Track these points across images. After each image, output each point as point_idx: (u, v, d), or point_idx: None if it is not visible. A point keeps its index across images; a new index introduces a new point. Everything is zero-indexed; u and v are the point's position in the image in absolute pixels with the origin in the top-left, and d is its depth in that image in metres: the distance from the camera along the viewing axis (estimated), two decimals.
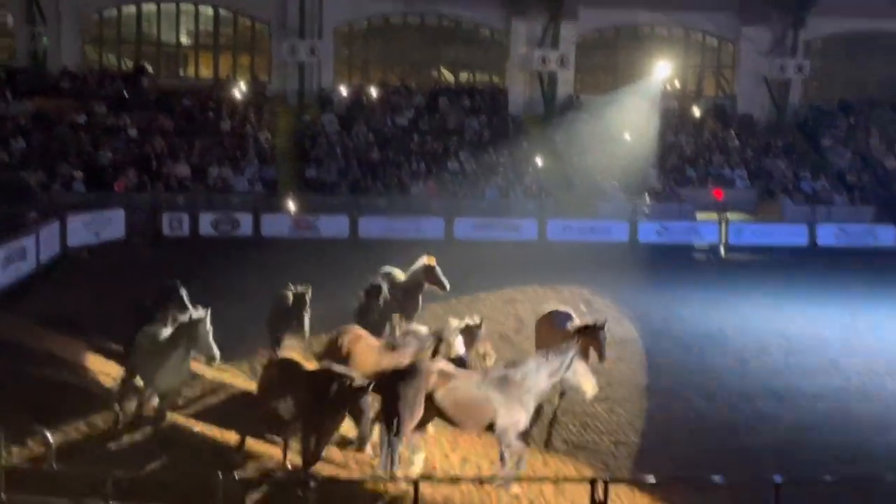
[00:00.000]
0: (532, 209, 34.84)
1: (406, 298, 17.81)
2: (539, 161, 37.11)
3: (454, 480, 12.12)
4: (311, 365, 13.24)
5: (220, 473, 10.06)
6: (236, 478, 10.67)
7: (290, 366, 12.71)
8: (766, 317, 23.38)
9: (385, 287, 16.96)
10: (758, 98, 41.24)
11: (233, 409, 14.53)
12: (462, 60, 42.78)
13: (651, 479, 12.21)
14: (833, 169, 38.72)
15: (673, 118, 40.24)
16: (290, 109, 38.43)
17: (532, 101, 40.55)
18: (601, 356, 14.04)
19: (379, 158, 36.23)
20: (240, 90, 38.17)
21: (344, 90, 39.44)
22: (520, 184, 36.04)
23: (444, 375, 12.27)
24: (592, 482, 10.45)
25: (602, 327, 14.07)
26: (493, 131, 38.54)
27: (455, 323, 14.18)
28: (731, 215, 35.05)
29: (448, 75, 42.97)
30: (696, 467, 13.31)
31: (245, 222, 32.39)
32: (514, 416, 12.15)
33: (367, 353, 13.50)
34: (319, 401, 11.61)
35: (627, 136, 38.51)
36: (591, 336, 14.01)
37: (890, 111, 41.60)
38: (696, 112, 40.81)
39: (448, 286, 18.15)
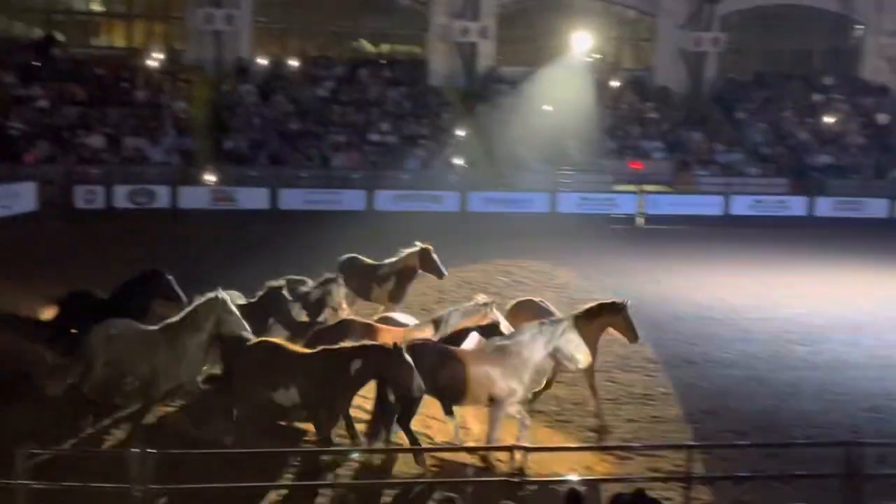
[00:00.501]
0: (454, 181, 34.90)
1: (397, 284, 17.02)
2: (461, 132, 37.16)
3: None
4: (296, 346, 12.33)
5: None
6: None
7: (279, 349, 11.75)
8: (682, 286, 23.80)
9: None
10: (675, 71, 41.77)
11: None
12: (382, 31, 42.50)
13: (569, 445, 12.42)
14: (748, 141, 39.48)
15: (592, 90, 40.53)
16: (208, 79, 37.72)
17: (453, 73, 40.47)
18: (633, 336, 13.65)
19: (299, 129, 35.86)
20: (154, 59, 37.31)
21: (262, 60, 38.86)
22: (442, 155, 36.02)
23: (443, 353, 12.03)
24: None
25: (625, 306, 13.51)
26: (414, 103, 38.42)
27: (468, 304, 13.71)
28: (648, 186, 35.58)
29: (368, 46, 42.62)
30: (612, 436, 13.51)
31: (162, 194, 31.84)
32: (512, 388, 12.00)
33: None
34: (334, 381, 11.12)
35: (548, 108, 38.70)
36: (613, 315, 13.58)
37: (803, 84, 42.53)
38: (615, 84, 41.18)
39: (446, 273, 17.54)
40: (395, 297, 17.15)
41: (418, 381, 10.85)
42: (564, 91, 39.85)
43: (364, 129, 36.58)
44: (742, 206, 35.28)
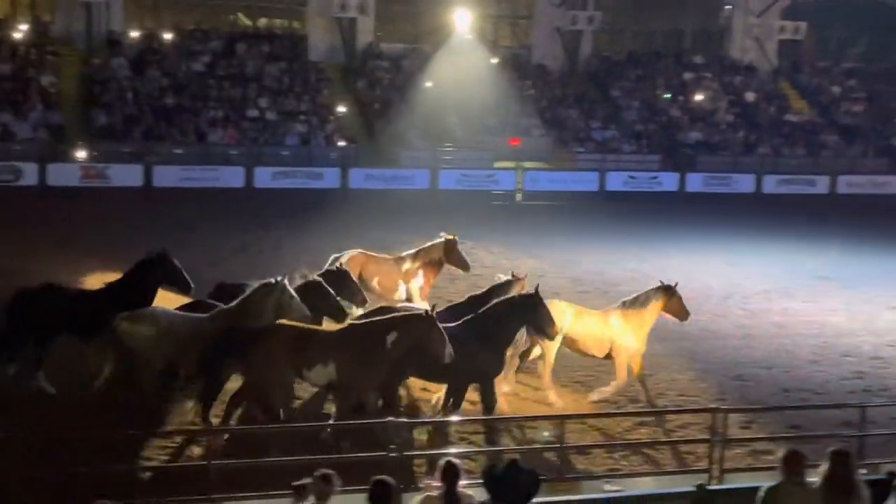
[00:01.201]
0: (335, 158, 34.72)
1: (425, 279, 16.23)
2: (341, 109, 36.97)
3: None
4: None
5: None
6: None
7: (306, 329, 11.62)
8: (560, 260, 24.29)
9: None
10: (552, 49, 42.33)
11: None
12: (260, 5, 41.81)
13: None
14: (622, 118, 40.40)
15: (472, 68, 40.77)
16: (78, 53, 36.46)
17: (333, 49, 40.12)
18: (686, 315, 13.90)
19: (174, 105, 35.03)
20: (20, 30, 35.86)
21: (135, 33, 37.76)
22: (322, 131, 35.74)
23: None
24: None
25: (675, 288, 13.79)
26: (293, 78, 37.96)
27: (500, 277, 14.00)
28: (527, 163, 36.09)
29: (245, 20, 41.89)
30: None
31: (29, 171, 30.73)
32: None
33: None
34: (372, 355, 11.15)
35: (428, 85, 38.81)
36: (670, 296, 13.70)
37: (675, 63, 43.70)
38: (494, 62, 41.52)
39: (470, 266, 16.91)
40: (425, 293, 16.28)
41: (449, 349, 11.00)
42: (444, 68, 40.04)
43: (242, 105, 35.99)
44: (617, 181, 36.14)
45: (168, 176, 32.04)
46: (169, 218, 26.99)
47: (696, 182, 36.84)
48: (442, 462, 7.39)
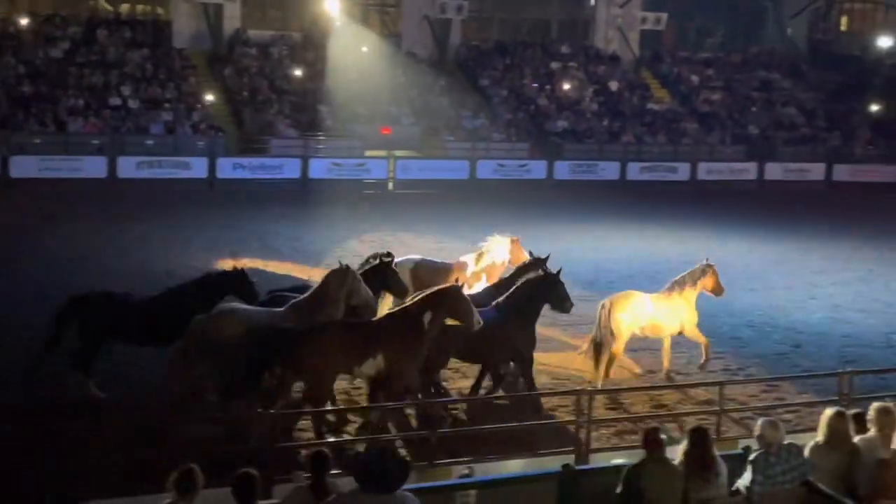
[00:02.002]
0: (201, 147, 34.03)
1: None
2: (208, 97, 36.25)
3: None
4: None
5: None
6: None
7: (351, 324, 11.79)
8: (433, 248, 24.37)
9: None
10: (421, 37, 42.44)
11: None
12: None
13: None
14: (491, 107, 40.84)
15: (342, 55, 40.57)
16: None
17: (198, 35, 39.28)
18: (721, 290, 15.10)
19: (31, 92, 33.71)
20: None
21: None
22: (188, 120, 34.98)
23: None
24: None
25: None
26: (157, 65, 37.01)
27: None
28: (398, 152, 36.14)
29: (106, 6, 40.62)
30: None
31: None
32: None
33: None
34: (415, 339, 11.50)
35: (298, 73, 38.46)
36: (711, 274, 14.91)
37: (542, 53, 44.41)
38: (364, 50, 41.36)
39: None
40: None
41: (477, 317, 11.54)
42: (313, 56, 39.77)
43: (104, 93, 34.90)
44: (487, 170, 36.53)
45: (26, 166, 30.88)
46: (28, 210, 26.02)
47: (563, 170, 37.56)
48: (311, 452, 7.37)
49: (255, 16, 41.75)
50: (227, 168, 33.39)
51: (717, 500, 8.07)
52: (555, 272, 13.46)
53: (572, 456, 10.55)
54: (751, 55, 48.64)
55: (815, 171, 40.67)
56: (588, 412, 10.99)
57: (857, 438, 8.53)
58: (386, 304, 13.88)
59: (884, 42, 50.97)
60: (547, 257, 14.47)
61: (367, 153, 36.02)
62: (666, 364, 14.79)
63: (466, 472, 8.96)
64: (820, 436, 8.50)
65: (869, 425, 8.65)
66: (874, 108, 45.06)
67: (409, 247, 24.49)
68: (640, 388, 13.95)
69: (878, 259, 25.28)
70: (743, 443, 9.50)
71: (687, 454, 8.13)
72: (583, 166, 38.04)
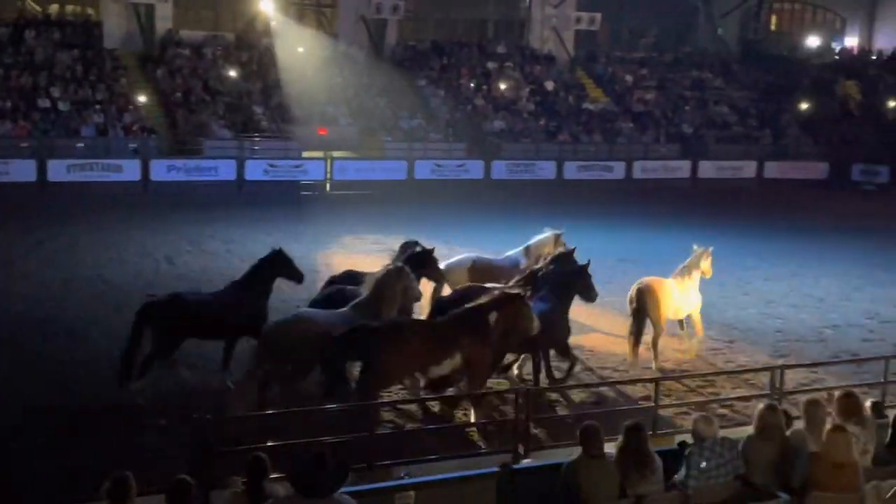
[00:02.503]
0: (134, 149, 33.52)
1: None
2: (141, 98, 35.72)
3: None
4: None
5: None
6: None
7: (427, 323, 12.57)
8: (371, 249, 24.33)
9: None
10: (357, 37, 42.27)
11: None
12: None
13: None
14: (428, 107, 40.84)
15: (278, 56, 40.28)
16: None
17: (129, 36, 38.68)
18: (710, 273, 16.23)
19: None
20: None
21: None
22: (120, 122, 34.43)
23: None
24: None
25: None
26: (87, 66, 36.35)
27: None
28: (335, 153, 35.97)
29: (34, 6, 39.81)
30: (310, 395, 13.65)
31: None
32: None
33: None
34: (483, 336, 12.04)
35: (232, 74, 38.08)
36: (705, 258, 16.08)
37: (478, 53, 44.52)
38: (300, 50, 41.11)
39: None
40: None
41: (536, 322, 12.39)
42: (248, 56, 39.43)
43: (32, 95, 34.17)
44: (425, 170, 36.53)
45: None
46: None
47: (500, 169, 37.72)
48: (249, 456, 7.28)
49: (187, 16, 41.22)
50: (161, 170, 32.92)
51: (653, 495, 8.14)
52: (585, 263, 14.41)
53: (510, 455, 10.56)
54: (683, 55, 49.34)
55: (747, 168, 41.40)
56: (527, 410, 11.02)
57: (788, 431, 8.69)
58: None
59: (812, 41, 52.14)
60: (573, 249, 15.25)
61: (304, 154, 35.80)
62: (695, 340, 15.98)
63: (405, 473, 8.94)
64: (753, 429, 8.63)
65: (800, 418, 8.82)
66: (803, 106, 46.00)
67: (348, 248, 24.44)
68: (579, 385, 14.05)
69: (809, 254, 25.78)
70: (679, 438, 9.58)
71: (622, 450, 8.20)
72: (520, 166, 38.23)
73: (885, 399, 12.57)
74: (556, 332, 13.60)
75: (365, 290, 12.77)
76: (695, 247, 16.22)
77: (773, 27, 53.94)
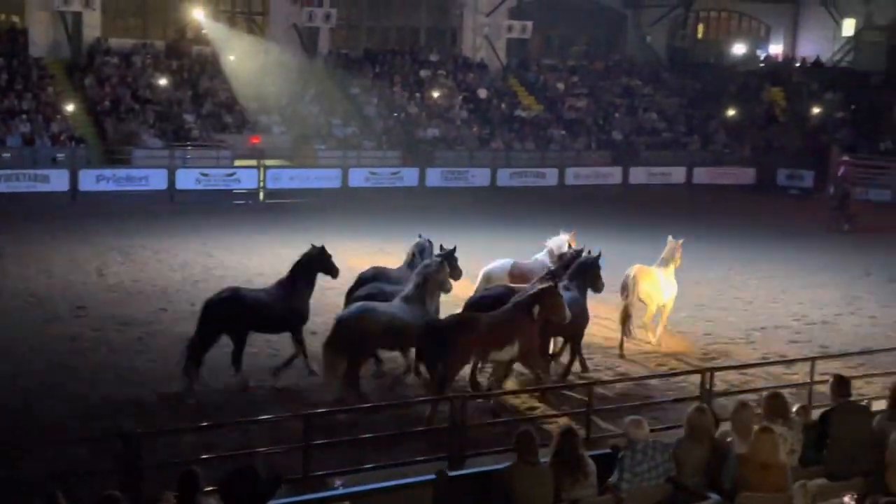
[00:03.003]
0: (62, 159, 32.92)
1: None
2: (68, 107, 35.10)
3: None
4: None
5: None
6: None
7: (486, 315, 13.52)
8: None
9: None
10: (289, 45, 41.95)
11: None
12: None
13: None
14: (362, 115, 40.78)
15: (208, 64, 39.93)
16: None
17: (56, 44, 38.00)
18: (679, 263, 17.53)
19: None
20: None
21: None
22: (47, 131, 33.79)
23: None
24: None
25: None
26: (12, 75, 35.63)
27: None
28: (269, 161, 35.73)
29: None
30: (241, 411, 13.52)
31: None
32: None
33: None
34: (531, 327, 13.59)
35: (163, 82, 37.62)
36: (679, 249, 17.50)
37: (411, 61, 44.60)
38: (232, 58, 40.77)
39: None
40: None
41: (567, 312, 13.87)
42: (177, 64, 39.00)
43: None
44: (359, 178, 36.47)
45: None
46: None
47: (435, 177, 37.82)
48: (181, 470, 7.21)
49: (115, 24, 40.62)
50: (90, 180, 32.36)
51: (587, 499, 8.25)
52: (596, 256, 15.75)
53: (447, 462, 10.60)
54: (613, 63, 50.00)
55: (677, 174, 42.09)
56: (462, 417, 11.06)
57: (717, 433, 8.86)
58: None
59: (738, 49, 53.21)
60: (582, 249, 16.25)
61: (237, 163, 35.48)
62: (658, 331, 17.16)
63: (340, 483, 8.92)
64: (683, 432, 8.79)
65: (729, 420, 9.00)
66: (730, 112, 46.94)
67: (281, 258, 24.21)
68: (515, 391, 14.14)
69: (737, 258, 26.29)
70: (611, 442, 9.72)
71: (556, 455, 8.30)
72: (454, 173, 38.38)
73: (811, 399, 12.89)
74: (581, 318, 15.06)
75: (409, 284, 14.15)
76: (669, 238, 17.60)
77: (699, 35, 54.90)
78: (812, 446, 9.31)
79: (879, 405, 10.34)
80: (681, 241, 17.47)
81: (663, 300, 17.18)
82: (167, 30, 41.63)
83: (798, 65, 52.64)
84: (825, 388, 10.42)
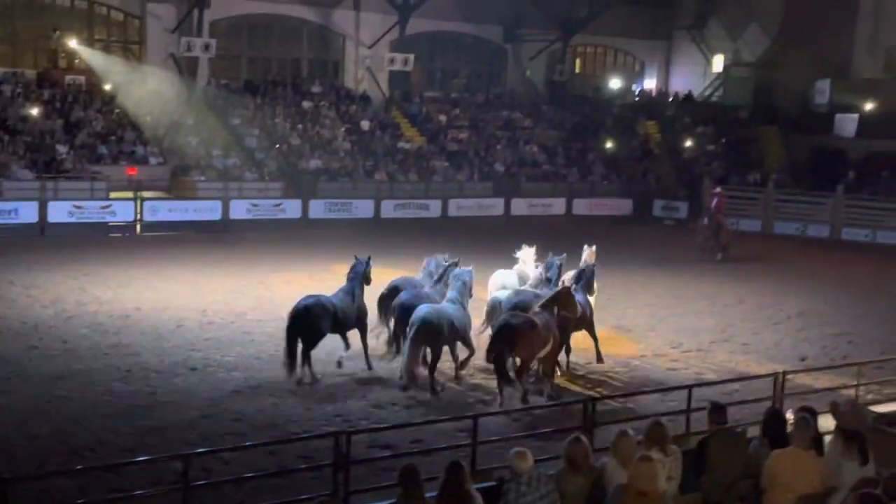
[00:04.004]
0: None
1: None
2: None
3: None
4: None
5: None
6: None
7: (533, 317, 15.74)
8: (183, 293, 23.70)
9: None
10: (167, 75, 41.19)
11: None
12: None
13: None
14: (244, 146, 40.26)
15: (82, 94, 38.89)
16: None
17: None
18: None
19: None
20: None
21: None
22: None
23: None
24: None
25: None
26: None
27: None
28: (146, 193, 34.92)
29: None
30: (118, 450, 13.10)
31: None
32: None
33: None
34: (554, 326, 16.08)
35: (34, 112, 36.46)
36: (593, 256, 19.74)
37: (292, 92, 44.32)
38: (107, 88, 39.80)
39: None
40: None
41: (579, 308, 16.92)
42: (51, 94, 37.91)
43: None
44: (240, 210, 35.95)
45: None
46: None
47: (318, 208, 37.57)
48: None
49: None
50: None
51: None
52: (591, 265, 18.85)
53: (329, 498, 10.43)
54: (494, 96, 50.77)
55: (557, 205, 42.89)
56: (346, 452, 10.91)
57: (598, 462, 8.96)
58: None
59: (614, 83, 54.74)
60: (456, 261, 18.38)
61: (113, 195, 34.52)
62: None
63: None
64: (562, 462, 8.86)
65: (610, 450, 9.12)
66: (608, 145, 48.15)
67: (158, 291, 23.66)
68: (399, 425, 14.04)
69: (615, 287, 26.77)
70: (496, 474, 9.72)
71: (442, 490, 8.25)
72: (337, 205, 38.21)
73: (689, 426, 13.19)
74: (588, 314, 17.88)
75: (450, 290, 16.93)
76: (585, 247, 19.68)
77: (577, 70, 56.24)
78: (691, 473, 9.50)
79: (754, 431, 10.62)
80: (594, 247, 19.92)
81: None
82: (38, 58, 40.44)
83: (671, 99, 54.48)
84: (702, 416, 10.66)
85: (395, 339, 17.08)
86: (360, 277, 17.39)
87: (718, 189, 35.88)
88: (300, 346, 16.34)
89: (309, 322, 16.34)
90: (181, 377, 16.69)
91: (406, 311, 16.47)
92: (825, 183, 42.06)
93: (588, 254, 19.68)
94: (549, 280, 18.12)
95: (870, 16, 48.91)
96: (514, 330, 15.39)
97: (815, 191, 42.25)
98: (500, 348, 15.39)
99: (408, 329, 15.93)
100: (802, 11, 49.09)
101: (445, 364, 16.80)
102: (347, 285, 17.30)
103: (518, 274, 19.62)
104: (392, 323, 17.27)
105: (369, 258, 17.76)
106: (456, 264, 17.99)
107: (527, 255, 19.98)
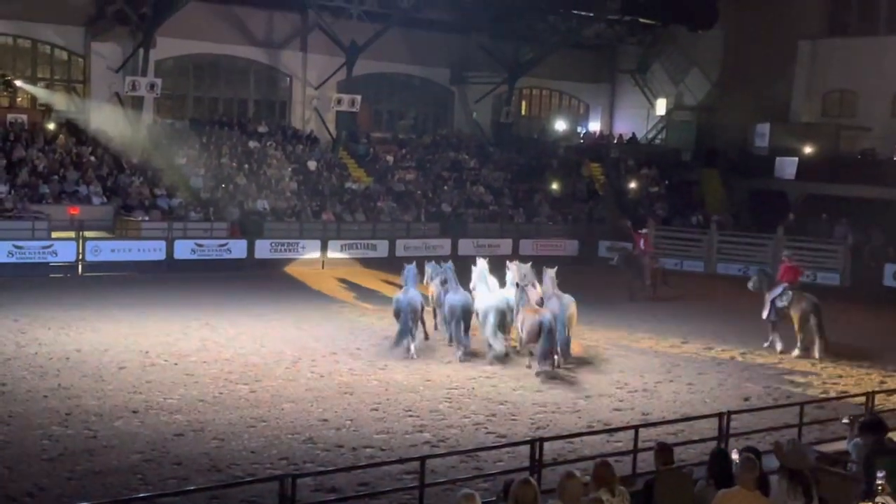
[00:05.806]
0: None
1: None
2: None
3: None
4: None
5: None
6: None
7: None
8: (125, 334, 23.34)
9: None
10: (111, 115, 40.81)
11: None
12: None
13: None
14: (189, 186, 39.91)
15: (24, 133, 38.35)
16: None
17: None
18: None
19: None
20: None
21: None
22: None
23: None
24: None
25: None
26: None
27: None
28: (88, 233, 34.43)
29: None
30: (57, 496, 12.80)
31: None
32: None
33: None
34: None
35: None
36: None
37: (239, 132, 44.12)
38: (50, 126, 39.28)
39: None
40: None
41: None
42: None
43: None
44: (185, 250, 35.54)
45: None
46: None
47: (265, 249, 37.30)
48: None
49: None
50: None
51: None
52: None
53: None
54: (440, 137, 51.08)
55: (504, 245, 42.93)
56: (291, 495, 10.77)
57: None
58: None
59: (559, 126, 55.46)
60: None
61: (54, 234, 33.94)
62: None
63: None
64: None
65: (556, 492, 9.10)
66: (553, 186, 48.60)
67: (100, 333, 23.28)
68: (345, 468, 13.91)
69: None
70: None
71: None
72: (284, 245, 37.97)
73: (635, 467, 13.24)
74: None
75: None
76: (545, 269, 23.46)
77: (523, 112, 56.83)
78: None
79: (700, 471, 10.68)
80: (555, 268, 23.63)
81: None
82: None
83: (615, 141, 55.26)
84: (649, 456, 10.71)
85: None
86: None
87: (643, 231, 36.58)
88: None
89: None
90: (122, 420, 16.38)
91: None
92: (766, 224, 42.81)
93: (551, 275, 23.13)
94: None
95: (808, 62, 50.21)
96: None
97: (756, 232, 42.97)
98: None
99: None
100: (742, 57, 50.34)
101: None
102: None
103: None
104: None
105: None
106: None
107: (516, 271, 22.98)
